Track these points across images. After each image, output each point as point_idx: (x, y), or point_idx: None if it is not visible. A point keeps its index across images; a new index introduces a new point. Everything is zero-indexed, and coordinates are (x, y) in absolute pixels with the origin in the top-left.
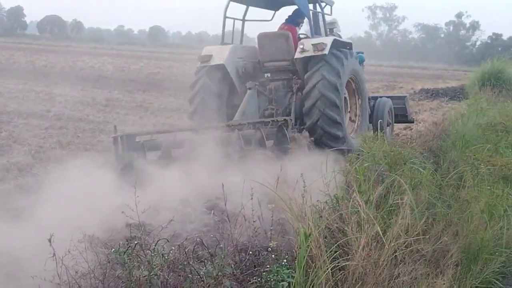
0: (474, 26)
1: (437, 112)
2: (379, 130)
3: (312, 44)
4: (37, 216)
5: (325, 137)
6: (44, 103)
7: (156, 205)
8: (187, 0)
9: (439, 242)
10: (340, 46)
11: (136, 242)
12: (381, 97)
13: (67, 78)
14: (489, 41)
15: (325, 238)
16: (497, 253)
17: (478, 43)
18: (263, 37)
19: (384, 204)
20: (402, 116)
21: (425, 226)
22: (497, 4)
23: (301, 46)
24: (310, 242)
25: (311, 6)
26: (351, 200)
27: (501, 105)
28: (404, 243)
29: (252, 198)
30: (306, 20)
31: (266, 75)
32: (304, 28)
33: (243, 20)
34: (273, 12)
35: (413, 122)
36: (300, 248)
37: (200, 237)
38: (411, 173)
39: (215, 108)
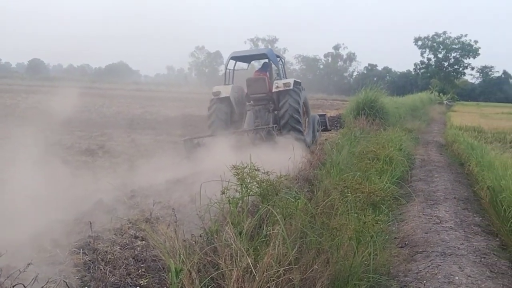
0: (351, 57)
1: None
2: (315, 135)
3: (283, 83)
4: None
5: (293, 134)
6: None
7: (23, 244)
8: (69, 31)
9: (310, 270)
10: (297, 84)
11: None
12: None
13: None
14: (365, 72)
15: (199, 272)
16: (365, 279)
17: (355, 73)
18: (250, 79)
19: (258, 235)
20: (324, 126)
21: (298, 255)
22: (371, 37)
23: (276, 85)
24: (182, 277)
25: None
26: (225, 232)
27: (374, 134)
28: (276, 274)
29: (122, 236)
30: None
31: (250, 102)
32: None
33: (233, 70)
34: (248, 64)
35: (330, 130)
36: (171, 284)
37: (68, 278)
38: (284, 203)
39: (224, 122)
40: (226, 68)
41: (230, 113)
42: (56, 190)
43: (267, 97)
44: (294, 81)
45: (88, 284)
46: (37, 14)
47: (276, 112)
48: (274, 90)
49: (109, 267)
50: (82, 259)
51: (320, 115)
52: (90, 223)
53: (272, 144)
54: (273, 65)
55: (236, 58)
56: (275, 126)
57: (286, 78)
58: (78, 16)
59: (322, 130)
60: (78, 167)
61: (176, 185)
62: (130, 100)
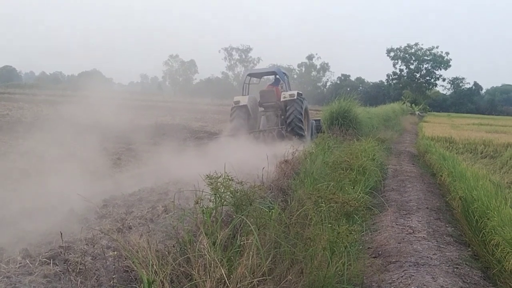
0: (324, 67)
1: (289, 150)
2: (312, 134)
3: (288, 94)
4: None
5: (297, 135)
6: None
7: None
8: (40, 39)
9: (284, 281)
10: (299, 95)
11: None
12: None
13: None
14: (338, 82)
15: (172, 283)
16: None
17: (329, 83)
18: (263, 91)
19: (232, 245)
20: (319, 129)
21: (272, 265)
22: (344, 47)
23: (283, 95)
24: None
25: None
26: (198, 243)
27: (347, 144)
28: (250, 284)
29: (94, 246)
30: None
31: (262, 109)
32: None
33: (249, 84)
34: (259, 78)
35: (324, 132)
36: None
37: None
38: (258, 213)
39: (243, 125)
40: (243, 83)
41: (247, 117)
42: (26, 199)
43: (276, 105)
44: (297, 92)
45: None
46: (10, 21)
47: (283, 117)
48: (282, 99)
49: (80, 278)
50: (53, 269)
51: (316, 120)
52: (61, 233)
53: (282, 141)
54: (287, 80)
55: (251, 74)
56: (284, 127)
57: (291, 90)
58: (51, 23)
59: (318, 132)
60: (49, 175)
61: (149, 194)
62: (103, 108)
